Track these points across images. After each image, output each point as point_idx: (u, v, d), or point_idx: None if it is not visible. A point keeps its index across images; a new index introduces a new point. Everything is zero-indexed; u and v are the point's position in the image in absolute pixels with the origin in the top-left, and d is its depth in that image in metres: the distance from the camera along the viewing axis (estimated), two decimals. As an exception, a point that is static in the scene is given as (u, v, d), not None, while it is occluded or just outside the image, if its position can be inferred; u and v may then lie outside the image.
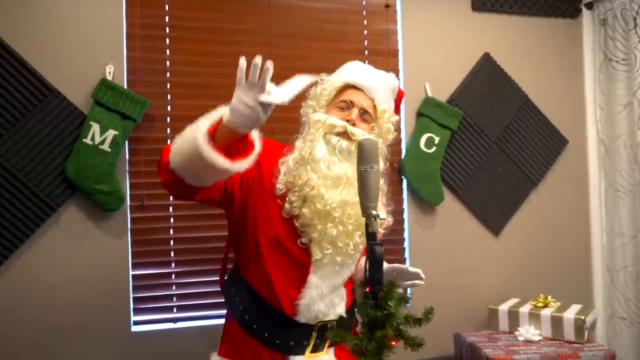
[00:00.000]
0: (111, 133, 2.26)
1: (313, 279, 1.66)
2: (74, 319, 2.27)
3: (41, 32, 2.26)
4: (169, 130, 2.43)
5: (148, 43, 2.40)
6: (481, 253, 2.89)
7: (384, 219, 1.39)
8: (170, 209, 2.42)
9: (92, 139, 2.25)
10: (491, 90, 2.89)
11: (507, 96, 2.92)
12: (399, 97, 1.89)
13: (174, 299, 2.42)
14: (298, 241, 1.67)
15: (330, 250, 1.65)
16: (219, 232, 2.46)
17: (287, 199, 1.67)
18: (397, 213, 2.69)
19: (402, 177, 2.74)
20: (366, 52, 2.70)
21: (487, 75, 2.88)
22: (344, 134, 1.69)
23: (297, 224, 1.66)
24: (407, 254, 2.75)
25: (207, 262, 2.44)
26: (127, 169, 2.37)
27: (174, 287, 2.43)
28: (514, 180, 2.94)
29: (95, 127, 2.25)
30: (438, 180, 2.77)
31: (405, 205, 2.77)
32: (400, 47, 2.76)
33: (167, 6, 2.44)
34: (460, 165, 2.84)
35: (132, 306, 2.36)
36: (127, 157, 2.38)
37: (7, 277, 2.21)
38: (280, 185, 1.69)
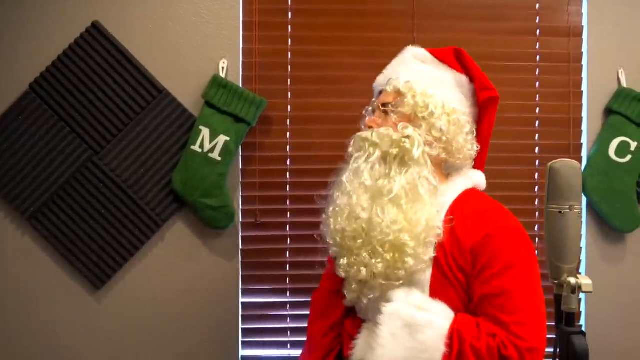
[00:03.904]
0: (222, 139, 1.95)
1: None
2: (174, 346, 2.03)
3: (149, 24, 2.00)
4: (288, 134, 2.06)
5: (267, 32, 2.04)
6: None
7: (589, 290, 0.88)
8: (288, 227, 2.07)
9: (201, 145, 1.95)
10: None
11: None
12: (463, 59, 1.43)
13: (289, 333, 2.07)
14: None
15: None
16: (344, 257, 2.06)
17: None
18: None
19: (583, 195, 2.09)
20: (537, 31, 2.07)
21: None
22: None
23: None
24: (582, 294, 2.11)
25: (329, 292, 2.06)
26: (240, 180, 2.06)
27: (288, 319, 2.08)
28: None
29: (205, 132, 1.95)
30: (633, 201, 2.07)
31: (584, 232, 2.12)
32: (584, 22, 2.09)
33: (290, -14, 2.06)
34: (667, 179, 2.12)
35: (240, 339, 2.06)
36: (240, 167, 2.06)
37: (110, 297, 2.02)
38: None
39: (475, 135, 1.39)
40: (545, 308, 1.17)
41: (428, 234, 1.23)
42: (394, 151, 1.29)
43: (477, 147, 1.39)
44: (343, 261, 1.29)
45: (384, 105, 1.38)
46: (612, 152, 2.06)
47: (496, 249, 1.20)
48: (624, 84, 2.07)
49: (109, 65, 1.97)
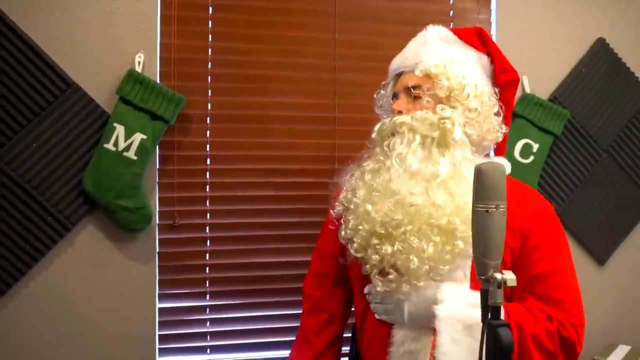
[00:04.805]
0: (138, 137, 1.86)
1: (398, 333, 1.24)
2: (86, 357, 1.90)
3: (56, 11, 1.85)
4: (208, 133, 2.00)
5: (186, 27, 1.97)
6: (582, 287, 2.34)
7: (513, 284, 0.93)
8: (207, 229, 2.01)
9: (115, 144, 1.84)
10: (605, 85, 2.30)
11: (624, 93, 2.32)
12: (485, 40, 1.39)
13: (208, 337, 2.02)
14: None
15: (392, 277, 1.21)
16: (266, 258, 2.04)
17: (343, 219, 1.32)
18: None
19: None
20: (451, 37, 2.18)
21: (600, 66, 2.29)
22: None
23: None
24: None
25: (250, 294, 2.03)
26: (157, 180, 1.97)
27: (208, 323, 2.02)
28: (628, 197, 2.36)
29: (120, 130, 1.85)
30: (534, 198, 2.24)
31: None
32: (493, 31, 2.22)
33: (210, -19, 2.00)
34: (563, 178, 2.29)
35: (157, 346, 1.97)
36: (157, 166, 1.97)
37: (12, 307, 1.85)
38: (338, 204, 1.35)
39: (502, 115, 1.36)
40: None
41: None
42: (435, 134, 1.24)
43: (506, 129, 1.36)
44: (386, 249, 1.19)
45: (414, 88, 1.31)
46: (517, 154, 2.19)
47: (545, 230, 1.23)
48: (527, 90, 2.21)
49: (10, 56, 1.80)
